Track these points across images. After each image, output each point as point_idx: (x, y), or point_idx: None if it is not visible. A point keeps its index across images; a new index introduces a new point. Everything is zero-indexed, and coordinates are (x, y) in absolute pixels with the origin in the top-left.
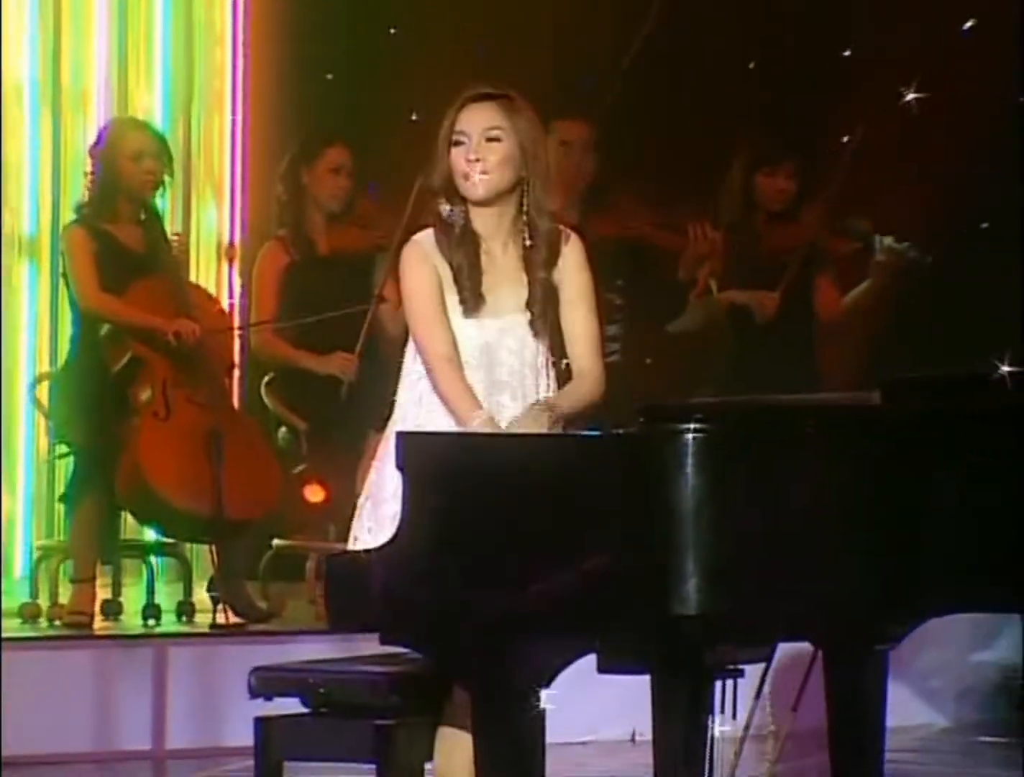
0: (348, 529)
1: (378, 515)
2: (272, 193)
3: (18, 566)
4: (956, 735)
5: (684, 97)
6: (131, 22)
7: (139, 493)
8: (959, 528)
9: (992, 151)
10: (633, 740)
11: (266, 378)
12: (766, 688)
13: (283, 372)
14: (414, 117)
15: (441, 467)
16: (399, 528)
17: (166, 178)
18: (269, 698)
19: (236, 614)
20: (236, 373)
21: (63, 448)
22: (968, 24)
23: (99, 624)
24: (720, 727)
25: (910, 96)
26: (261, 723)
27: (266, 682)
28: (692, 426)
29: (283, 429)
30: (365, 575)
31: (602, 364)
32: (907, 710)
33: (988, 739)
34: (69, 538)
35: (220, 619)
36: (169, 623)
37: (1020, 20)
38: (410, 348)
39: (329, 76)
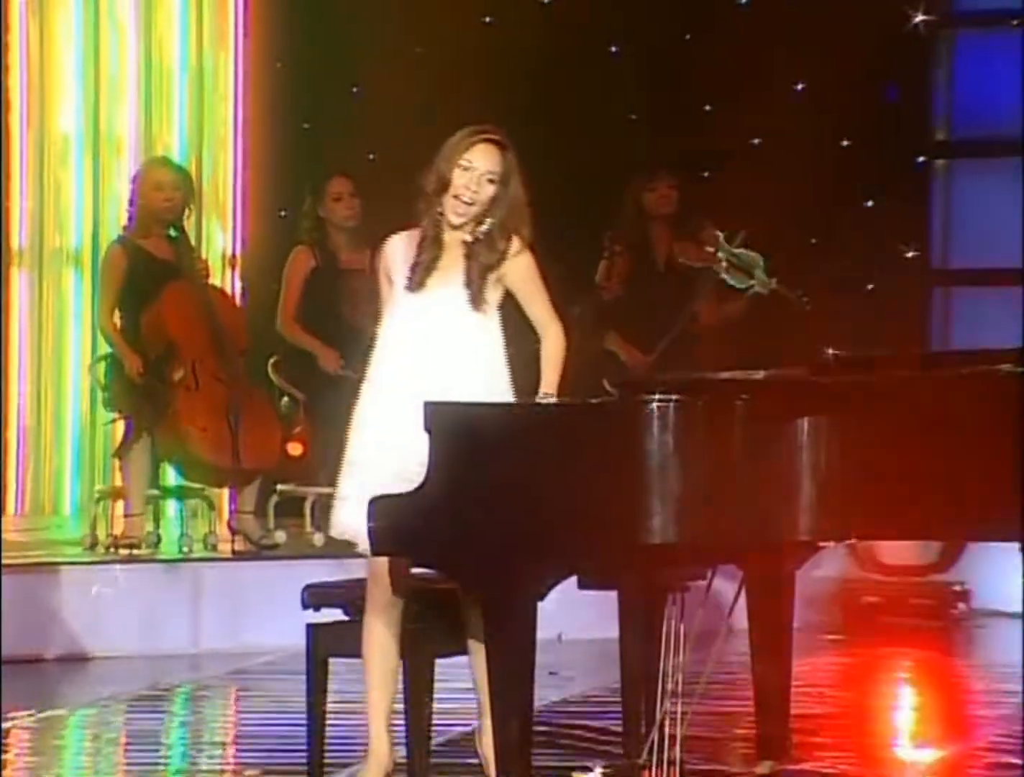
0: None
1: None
2: (300, 225)
3: (66, 507)
4: (803, 634)
5: (581, 143)
6: (155, 83)
7: (176, 449)
8: (851, 472)
9: (822, 184)
10: (560, 640)
11: (272, 359)
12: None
13: (286, 354)
14: (371, 157)
15: (458, 428)
16: (426, 476)
17: (190, 204)
18: (318, 609)
19: (250, 543)
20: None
21: (110, 416)
22: (800, 85)
23: (143, 551)
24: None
25: (755, 140)
26: (312, 628)
27: (316, 596)
28: (656, 397)
29: (285, 399)
30: (399, 513)
31: (557, 319)
32: None
33: (827, 636)
34: (122, 483)
35: (239, 547)
36: (199, 550)
37: (839, 84)
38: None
39: (306, 125)
